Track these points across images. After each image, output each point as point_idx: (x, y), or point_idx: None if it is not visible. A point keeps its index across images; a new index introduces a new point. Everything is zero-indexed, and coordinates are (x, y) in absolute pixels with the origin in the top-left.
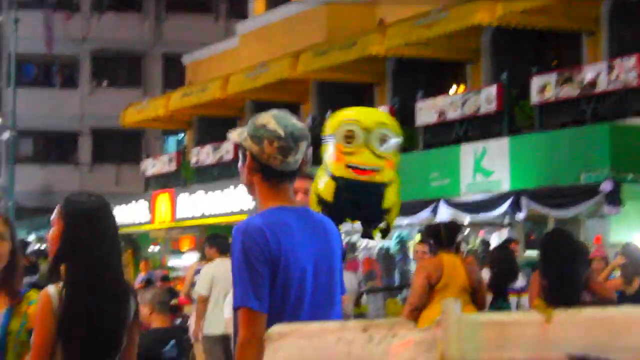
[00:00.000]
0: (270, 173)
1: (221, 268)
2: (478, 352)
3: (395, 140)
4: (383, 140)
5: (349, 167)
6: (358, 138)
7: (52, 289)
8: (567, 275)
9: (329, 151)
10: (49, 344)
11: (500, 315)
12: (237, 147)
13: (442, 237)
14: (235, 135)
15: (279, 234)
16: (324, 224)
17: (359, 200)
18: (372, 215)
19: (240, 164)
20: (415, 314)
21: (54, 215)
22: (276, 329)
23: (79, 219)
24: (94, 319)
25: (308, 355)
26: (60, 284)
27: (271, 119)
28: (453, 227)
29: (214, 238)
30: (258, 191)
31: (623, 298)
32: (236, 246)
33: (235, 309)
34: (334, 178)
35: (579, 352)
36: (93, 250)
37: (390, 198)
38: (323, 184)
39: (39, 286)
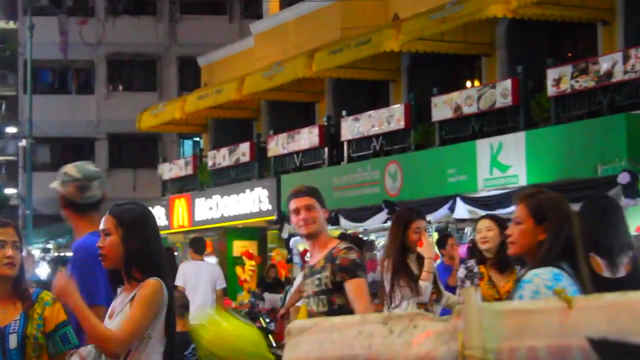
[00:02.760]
0: (75, 206)
1: (193, 266)
2: (499, 341)
3: None
4: None
5: None
6: None
7: (160, 281)
8: None
9: None
10: (146, 327)
11: (521, 304)
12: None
13: None
14: (54, 184)
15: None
16: None
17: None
18: None
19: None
20: None
21: (104, 225)
22: (296, 324)
23: (135, 225)
24: (172, 309)
25: (327, 349)
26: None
27: (71, 167)
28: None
29: (193, 240)
30: (72, 221)
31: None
32: (81, 259)
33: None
34: None
35: (599, 336)
36: (155, 252)
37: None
38: None
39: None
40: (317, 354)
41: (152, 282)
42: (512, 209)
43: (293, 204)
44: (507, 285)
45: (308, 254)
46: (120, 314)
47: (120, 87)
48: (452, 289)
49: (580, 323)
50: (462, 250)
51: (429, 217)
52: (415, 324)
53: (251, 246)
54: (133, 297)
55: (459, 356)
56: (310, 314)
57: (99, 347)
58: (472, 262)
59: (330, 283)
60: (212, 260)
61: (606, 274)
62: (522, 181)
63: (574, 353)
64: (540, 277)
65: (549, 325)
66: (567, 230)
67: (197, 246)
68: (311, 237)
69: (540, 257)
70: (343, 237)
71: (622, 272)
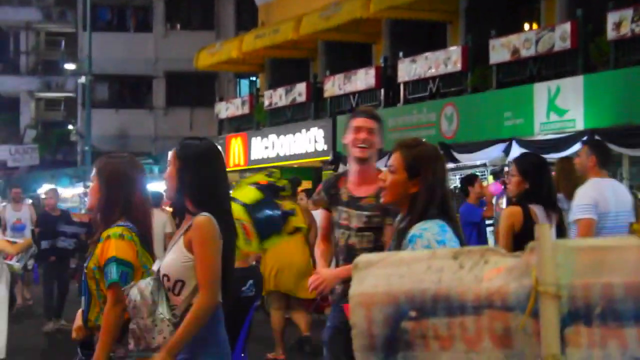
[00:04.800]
0: None
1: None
2: (573, 278)
3: None
4: None
5: None
6: None
7: (210, 216)
8: None
9: None
10: (219, 264)
11: (598, 241)
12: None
13: None
14: None
15: None
16: None
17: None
18: None
19: None
20: None
21: (169, 157)
22: (364, 257)
23: (190, 159)
24: (232, 242)
25: (395, 282)
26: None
27: None
28: None
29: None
30: None
31: None
32: None
33: None
34: None
35: None
36: (210, 187)
37: None
38: None
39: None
40: (384, 287)
41: (202, 220)
42: (568, 152)
43: (356, 122)
44: None
45: (348, 180)
46: (174, 246)
47: (178, 26)
48: (484, 223)
49: None
50: (495, 187)
51: (484, 160)
52: (487, 259)
53: (306, 186)
54: (187, 229)
55: (531, 292)
56: (340, 246)
57: (205, 320)
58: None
59: (381, 222)
60: None
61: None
62: (580, 125)
63: None
64: (429, 231)
65: (625, 262)
66: (441, 187)
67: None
68: (362, 161)
69: (420, 212)
70: None
71: (554, 224)
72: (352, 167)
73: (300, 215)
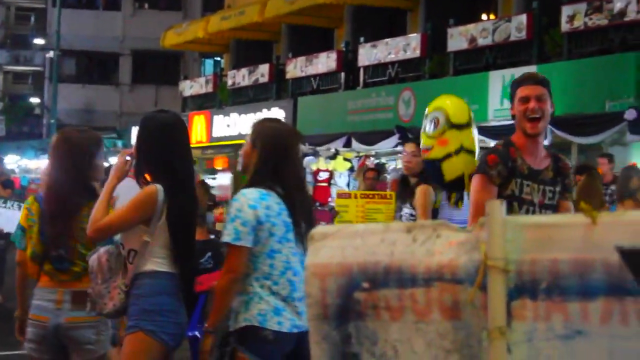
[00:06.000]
0: None
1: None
2: (521, 254)
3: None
4: (435, 122)
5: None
6: (424, 124)
7: (159, 187)
8: None
9: (469, 136)
10: (132, 224)
11: (546, 218)
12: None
13: None
14: None
15: None
16: None
17: (428, 176)
18: (444, 187)
19: None
20: None
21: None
22: (319, 229)
23: (147, 129)
24: (187, 215)
25: (349, 254)
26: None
27: None
28: None
29: None
30: None
31: None
32: None
33: None
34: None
35: (629, 245)
36: (164, 157)
37: (451, 171)
38: (471, 166)
39: None
40: (339, 259)
41: (148, 188)
42: None
43: (523, 91)
44: None
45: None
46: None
47: (146, 5)
48: None
49: (604, 239)
50: None
51: None
52: (439, 233)
53: None
54: None
55: (480, 266)
56: None
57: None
58: None
59: (560, 197)
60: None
61: None
62: None
63: (597, 266)
64: (246, 196)
65: (572, 239)
66: (276, 158)
67: None
68: (536, 135)
69: (250, 178)
70: None
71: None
72: (520, 139)
73: None
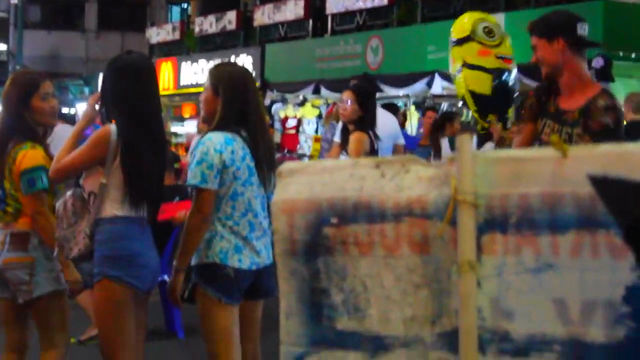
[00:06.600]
0: None
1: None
2: (491, 188)
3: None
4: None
5: (499, 57)
6: (496, 32)
7: (113, 127)
8: None
9: (472, 50)
10: (86, 163)
11: (516, 152)
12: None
13: None
14: None
15: None
16: None
17: (510, 88)
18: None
19: None
20: None
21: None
22: (286, 166)
23: (112, 70)
24: (144, 155)
25: (318, 190)
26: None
27: None
28: None
29: None
30: None
31: None
32: None
33: None
34: (487, 70)
35: (600, 174)
36: (136, 99)
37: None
38: (476, 81)
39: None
40: (307, 195)
41: (103, 127)
42: None
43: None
44: None
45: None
46: None
47: None
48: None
49: (575, 172)
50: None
51: (407, 91)
52: (408, 168)
53: None
54: None
55: (450, 200)
56: None
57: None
58: None
59: (579, 140)
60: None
61: None
62: None
63: (567, 199)
64: (212, 140)
65: (542, 173)
66: (239, 102)
67: None
68: (549, 79)
69: (215, 123)
70: None
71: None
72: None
73: None
